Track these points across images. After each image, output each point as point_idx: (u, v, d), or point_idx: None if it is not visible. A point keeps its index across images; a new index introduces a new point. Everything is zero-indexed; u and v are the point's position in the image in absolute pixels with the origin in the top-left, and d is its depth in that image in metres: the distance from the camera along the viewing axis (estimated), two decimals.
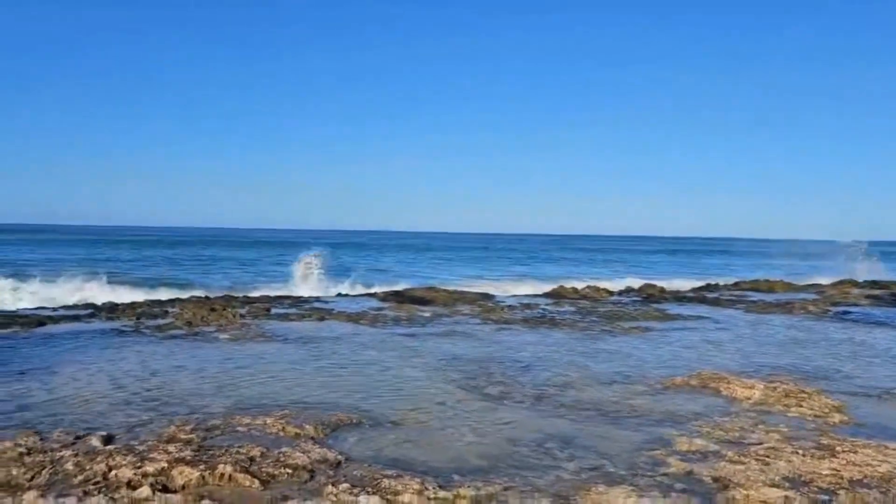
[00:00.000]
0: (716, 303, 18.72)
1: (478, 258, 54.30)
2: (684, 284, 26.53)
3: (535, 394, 7.47)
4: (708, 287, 24.31)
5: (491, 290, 21.48)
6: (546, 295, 20.51)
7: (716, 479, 4.85)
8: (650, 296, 20.67)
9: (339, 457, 5.13)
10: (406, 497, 4.30)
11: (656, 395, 7.58)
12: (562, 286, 21.75)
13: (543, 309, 16.37)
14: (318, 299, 18.03)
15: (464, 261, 49.90)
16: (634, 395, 7.54)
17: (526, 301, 18.38)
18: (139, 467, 4.64)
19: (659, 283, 23.23)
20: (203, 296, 17.50)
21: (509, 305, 16.90)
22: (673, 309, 16.72)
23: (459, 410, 6.71)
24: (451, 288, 21.17)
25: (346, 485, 4.49)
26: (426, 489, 4.43)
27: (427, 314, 14.64)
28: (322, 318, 13.62)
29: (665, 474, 4.96)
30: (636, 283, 23.98)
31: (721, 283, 25.58)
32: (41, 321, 12.21)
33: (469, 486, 4.54)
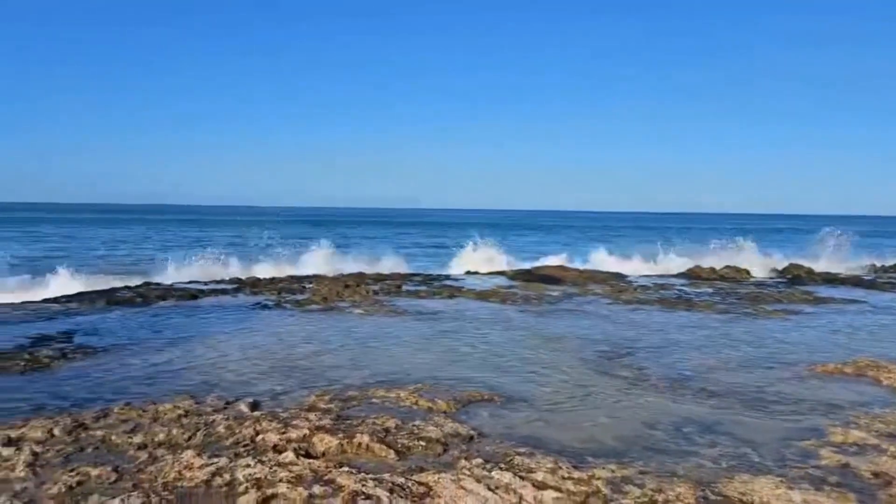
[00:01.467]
0: (872, 286, 17.24)
1: (604, 237, 52.81)
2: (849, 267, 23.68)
3: (672, 377, 7.19)
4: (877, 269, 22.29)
5: (623, 270, 20.88)
6: (681, 275, 19.71)
7: (876, 475, 4.46)
8: (797, 277, 19.35)
9: (472, 432, 5.16)
10: (539, 475, 4.25)
11: (805, 381, 7.08)
12: (698, 266, 20.79)
13: (679, 290, 15.73)
14: (448, 277, 18.28)
15: (588, 239, 48.64)
16: (780, 381, 7.08)
17: (660, 281, 17.75)
18: (283, 433, 4.88)
19: (807, 265, 21.61)
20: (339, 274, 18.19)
21: (642, 285, 16.37)
22: (823, 292, 15.57)
23: (592, 391, 6.57)
24: (580, 267, 20.81)
25: (479, 459, 4.51)
26: (559, 468, 4.36)
27: (556, 293, 14.47)
28: (451, 296, 13.79)
29: (817, 466, 4.61)
30: (780, 264, 22.42)
31: (879, 265, 23.48)
32: (193, 294, 13.17)
33: (604, 468, 4.43)
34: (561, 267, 19.81)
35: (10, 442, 4.64)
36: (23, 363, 7.20)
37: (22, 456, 4.42)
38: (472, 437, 5.06)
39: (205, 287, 14.49)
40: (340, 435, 4.90)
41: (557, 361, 7.86)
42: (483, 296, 13.83)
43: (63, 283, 15.45)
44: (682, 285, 16.76)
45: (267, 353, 8.02)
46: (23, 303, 12.05)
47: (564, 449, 4.88)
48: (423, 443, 4.86)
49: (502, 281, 17.09)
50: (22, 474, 4.22)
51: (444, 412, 5.72)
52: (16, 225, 58.57)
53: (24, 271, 18.53)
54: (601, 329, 10.16)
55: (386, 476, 4.17)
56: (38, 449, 4.57)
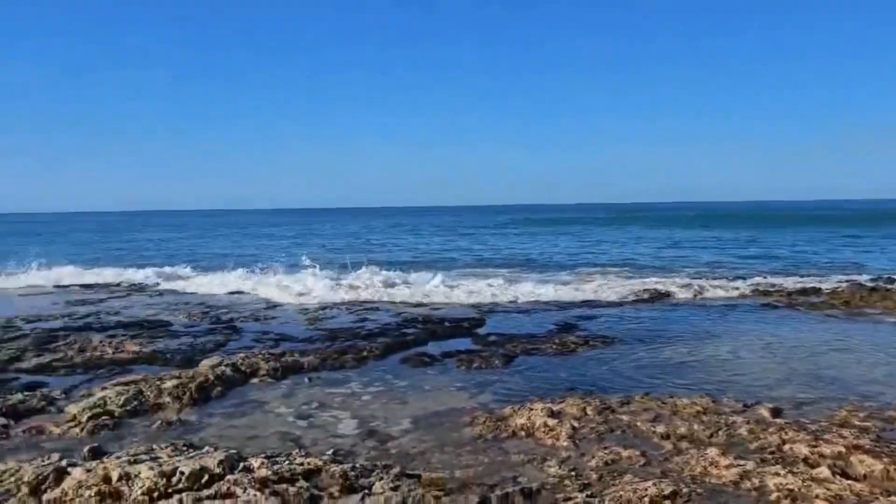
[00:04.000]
0: None
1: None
2: None
3: None
4: None
5: None
6: None
7: None
8: None
9: None
10: None
11: None
12: None
13: None
14: None
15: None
16: None
17: None
18: (814, 446, 4.49)
19: None
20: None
21: None
22: None
23: None
24: None
25: None
26: None
27: None
28: None
29: None
30: None
31: None
32: (699, 292, 13.14)
33: None
34: None
35: (553, 414, 5.31)
36: (554, 346, 8.20)
37: (563, 428, 5.01)
38: None
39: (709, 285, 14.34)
40: (885, 459, 4.28)
41: None
42: None
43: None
44: None
45: (783, 357, 7.53)
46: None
47: None
48: None
49: None
50: (565, 444, 4.79)
51: None
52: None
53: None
54: None
55: None
56: (575, 424, 5.13)
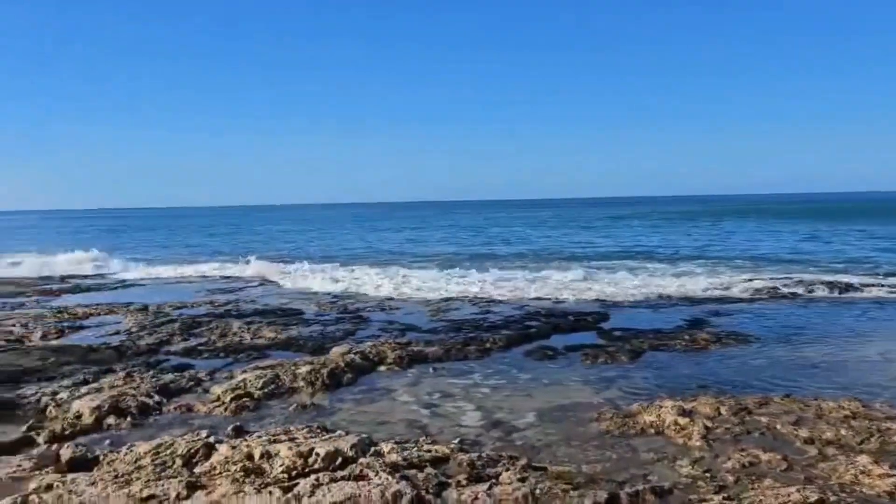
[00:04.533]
0: None
1: None
2: None
3: None
4: None
5: None
6: None
7: None
8: None
9: None
10: None
11: None
12: None
13: None
14: None
15: None
16: None
17: None
18: None
19: None
20: None
21: None
22: None
23: None
24: None
25: None
26: None
27: None
28: None
29: None
30: None
31: None
32: (845, 288, 12.24)
33: None
34: None
35: (684, 413, 5.11)
36: (683, 343, 7.90)
37: (696, 427, 4.81)
38: None
39: (856, 282, 13.30)
40: None
41: None
42: None
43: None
44: None
45: None
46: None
47: None
48: None
49: None
50: (698, 444, 4.60)
51: None
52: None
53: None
54: None
55: None
56: (708, 423, 4.91)
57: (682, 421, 4.93)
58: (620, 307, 10.98)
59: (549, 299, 11.94)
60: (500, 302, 11.72)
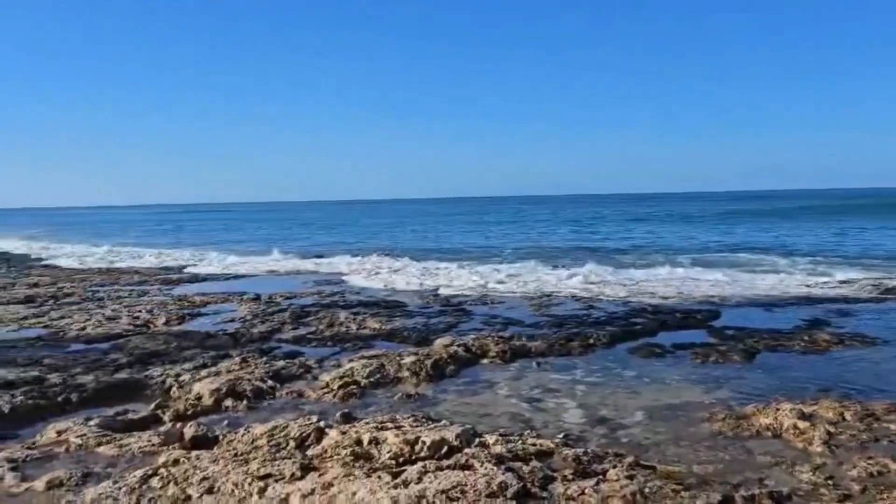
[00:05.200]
0: None
1: None
2: None
3: None
4: None
5: None
6: None
7: None
8: None
9: None
10: None
11: None
12: None
13: None
14: None
15: None
16: None
17: None
18: None
19: None
20: None
21: None
22: None
23: None
24: None
25: None
26: None
27: None
28: None
29: None
30: None
31: None
32: None
33: None
34: None
35: (804, 416, 4.84)
36: (802, 343, 7.48)
37: (817, 432, 4.55)
38: None
39: None
40: None
41: None
42: None
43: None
44: None
45: None
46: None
47: None
48: None
49: None
50: (819, 449, 4.35)
51: None
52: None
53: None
54: None
55: None
56: (831, 429, 4.63)
57: (802, 425, 4.67)
58: (732, 304, 10.53)
59: (654, 294, 11.59)
60: (604, 298, 11.49)
